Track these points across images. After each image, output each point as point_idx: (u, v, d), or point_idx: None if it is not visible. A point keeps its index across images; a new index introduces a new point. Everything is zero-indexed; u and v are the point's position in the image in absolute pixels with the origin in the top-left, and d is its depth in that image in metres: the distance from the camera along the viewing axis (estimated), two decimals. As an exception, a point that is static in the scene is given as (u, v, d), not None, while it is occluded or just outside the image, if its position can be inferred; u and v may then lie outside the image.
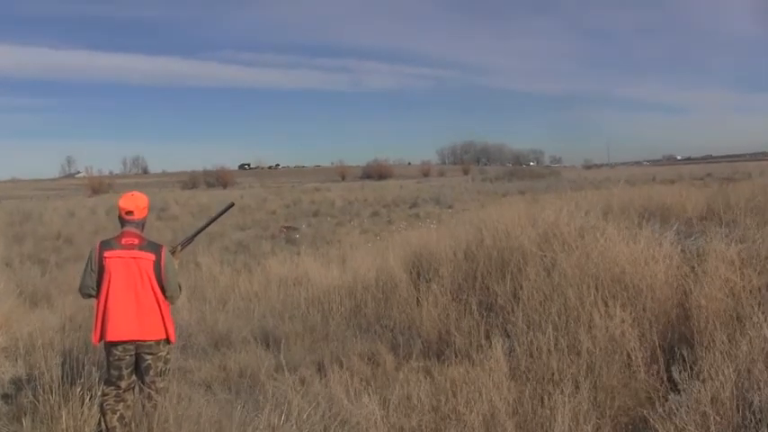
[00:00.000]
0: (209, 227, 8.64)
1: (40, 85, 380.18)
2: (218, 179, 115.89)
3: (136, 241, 6.89)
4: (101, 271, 6.84)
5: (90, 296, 7.03)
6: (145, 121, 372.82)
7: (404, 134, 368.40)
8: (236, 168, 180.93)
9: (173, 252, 7.22)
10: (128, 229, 6.99)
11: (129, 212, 7.01)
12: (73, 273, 21.16)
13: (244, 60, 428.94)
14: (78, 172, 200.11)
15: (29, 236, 34.57)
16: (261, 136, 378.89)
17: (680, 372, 6.87)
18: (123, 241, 6.88)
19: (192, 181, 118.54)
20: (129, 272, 6.79)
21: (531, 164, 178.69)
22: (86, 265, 6.99)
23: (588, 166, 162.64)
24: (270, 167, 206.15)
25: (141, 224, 7.11)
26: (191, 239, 7.85)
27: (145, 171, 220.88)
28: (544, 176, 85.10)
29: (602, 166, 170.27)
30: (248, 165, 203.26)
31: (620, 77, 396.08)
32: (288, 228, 34.18)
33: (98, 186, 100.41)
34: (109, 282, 6.77)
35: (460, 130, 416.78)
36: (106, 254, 6.83)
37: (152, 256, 6.86)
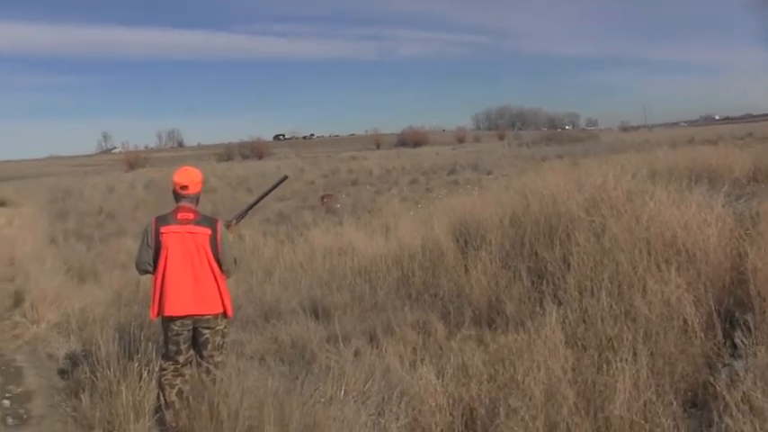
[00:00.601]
0: (262, 201, 8.63)
1: (75, 62, 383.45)
2: (254, 151, 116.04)
3: (191, 216, 6.90)
4: (157, 246, 6.85)
5: (147, 272, 7.06)
6: (179, 94, 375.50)
7: (438, 101, 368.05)
8: (271, 139, 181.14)
9: (227, 226, 7.23)
10: (183, 203, 6.99)
11: (184, 187, 7.01)
12: (117, 248, 21.38)
13: (276, 31, 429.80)
14: (114, 147, 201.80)
15: (71, 212, 34.93)
16: (295, 106, 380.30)
17: (741, 337, 6.78)
18: (179, 216, 6.89)
19: (227, 153, 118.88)
20: (185, 247, 6.80)
21: (567, 127, 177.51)
22: (142, 241, 7.00)
23: (625, 129, 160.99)
24: (304, 137, 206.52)
25: (196, 199, 7.12)
26: (245, 213, 7.85)
27: (180, 144, 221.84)
28: (582, 140, 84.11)
29: (639, 128, 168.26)
30: (283, 135, 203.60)
31: (655, 38, 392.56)
32: (328, 196, 34.06)
33: (134, 161, 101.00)
34: (166, 257, 6.78)
35: (495, 95, 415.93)
36: (162, 229, 6.84)
37: (208, 231, 6.87)
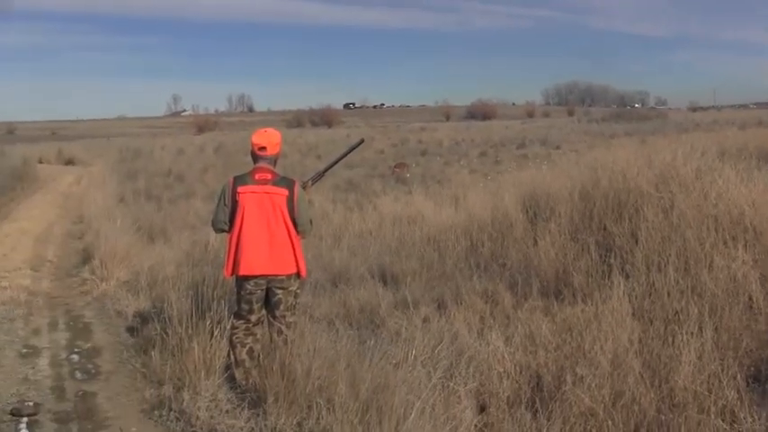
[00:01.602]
0: (338, 164, 8.70)
1: (146, 23, 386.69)
2: (323, 118, 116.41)
3: (269, 176, 6.96)
4: (234, 206, 6.93)
5: (223, 231, 7.13)
6: (251, 59, 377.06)
7: (508, 74, 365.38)
8: (341, 108, 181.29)
9: (303, 187, 7.27)
10: (261, 164, 7.05)
11: (263, 148, 7.07)
12: (186, 209, 21.70)
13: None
14: (184, 110, 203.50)
15: (140, 172, 35.26)
16: (366, 75, 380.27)
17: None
18: (257, 176, 6.95)
19: (296, 120, 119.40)
20: (262, 207, 6.87)
21: (636, 105, 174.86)
22: (219, 200, 7.10)
23: (694, 109, 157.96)
24: (374, 107, 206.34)
25: (274, 160, 7.16)
26: (321, 175, 7.84)
27: (250, 109, 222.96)
28: (650, 119, 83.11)
29: (708, 108, 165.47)
30: (353, 104, 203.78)
31: (726, 17, 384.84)
32: (400, 165, 34.04)
33: (204, 124, 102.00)
34: (242, 217, 6.86)
35: (565, 70, 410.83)
36: (240, 189, 6.91)
37: (285, 192, 6.91)
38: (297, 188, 7.03)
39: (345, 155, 8.57)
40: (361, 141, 8.98)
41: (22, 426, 6.85)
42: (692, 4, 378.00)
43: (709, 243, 8.57)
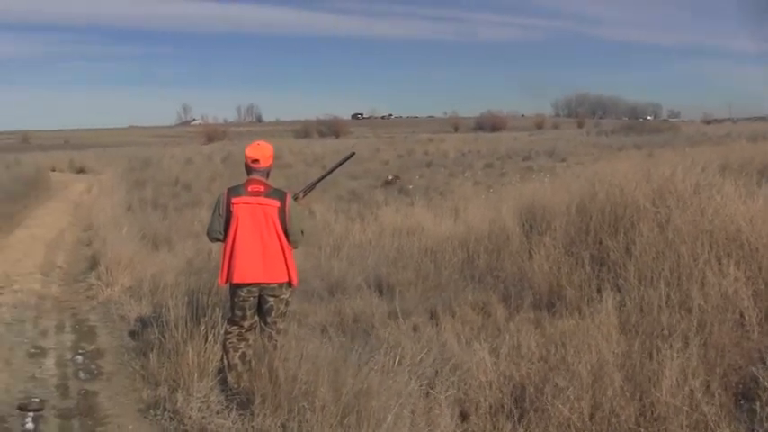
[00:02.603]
0: (329, 176, 8.83)
1: (157, 34, 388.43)
2: (331, 129, 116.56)
3: (262, 188, 7.11)
4: (228, 216, 7.10)
5: (217, 240, 7.33)
6: (259, 69, 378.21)
7: (518, 86, 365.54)
8: (349, 118, 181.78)
9: (295, 198, 7.39)
10: (254, 176, 7.21)
11: (256, 161, 7.21)
12: (191, 218, 21.86)
13: (356, 10, 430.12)
14: (194, 119, 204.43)
15: (148, 181, 35.49)
16: (374, 86, 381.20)
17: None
18: (250, 188, 7.11)
19: (304, 130, 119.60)
20: (255, 217, 7.03)
21: (648, 118, 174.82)
22: (214, 211, 7.28)
23: (708, 121, 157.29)
24: (383, 117, 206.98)
25: (267, 172, 7.32)
26: (312, 186, 7.97)
27: (259, 119, 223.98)
28: (661, 131, 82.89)
29: (723, 121, 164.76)
30: (361, 114, 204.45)
31: (742, 29, 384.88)
32: (395, 178, 34.02)
33: (213, 134, 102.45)
34: (236, 227, 7.03)
35: (575, 82, 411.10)
36: (234, 200, 7.08)
37: (277, 203, 7.08)
38: (288, 200, 7.20)
39: (336, 167, 8.75)
40: (352, 154, 9.07)
41: (28, 420, 7.20)
42: (706, 12, 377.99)
43: (702, 259, 8.58)
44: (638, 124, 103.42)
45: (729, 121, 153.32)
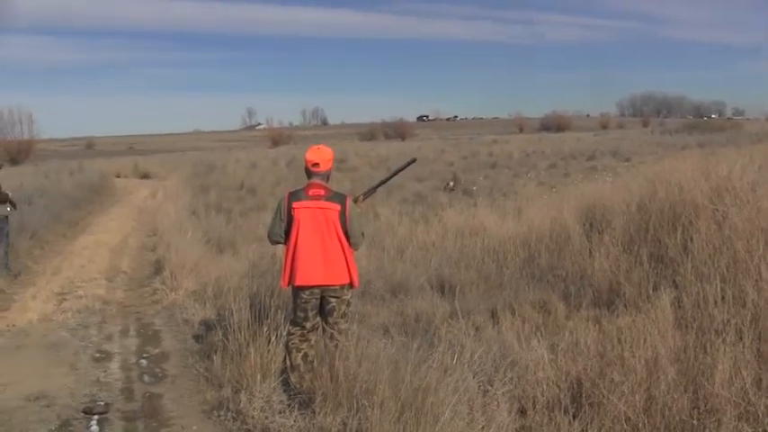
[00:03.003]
0: (391, 180, 9.03)
1: (221, 38, 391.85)
2: (396, 131, 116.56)
3: (322, 192, 7.27)
4: (289, 220, 7.27)
5: (278, 243, 7.54)
6: (324, 73, 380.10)
7: (583, 86, 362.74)
8: (415, 120, 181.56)
9: (355, 201, 7.56)
10: (314, 180, 7.37)
11: (316, 164, 7.37)
12: (256, 222, 22.13)
13: (421, 12, 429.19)
14: (259, 124, 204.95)
15: (213, 186, 35.80)
16: (439, 88, 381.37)
17: None
18: (310, 192, 7.28)
19: (370, 133, 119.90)
20: (316, 221, 7.19)
21: (713, 116, 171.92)
22: (276, 215, 7.46)
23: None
24: (448, 119, 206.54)
25: (327, 176, 7.48)
26: (373, 191, 8.14)
27: (324, 122, 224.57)
28: (724, 129, 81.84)
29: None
30: (426, 116, 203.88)
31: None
32: (455, 184, 33.79)
33: (278, 138, 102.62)
34: (298, 230, 7.19)
35: (640, 81, 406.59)
36: (294, 204, 7.25)
37: (337, 207, 7.23)
38: (349, 203, 7.34)
39: (396, 173, 8.86)
40: (413, 160, 9.14)
41: (93, 423, 7.43)
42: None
43: (757, 255, 8.63)
44: (702, 123, 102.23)
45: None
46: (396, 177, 9.04)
